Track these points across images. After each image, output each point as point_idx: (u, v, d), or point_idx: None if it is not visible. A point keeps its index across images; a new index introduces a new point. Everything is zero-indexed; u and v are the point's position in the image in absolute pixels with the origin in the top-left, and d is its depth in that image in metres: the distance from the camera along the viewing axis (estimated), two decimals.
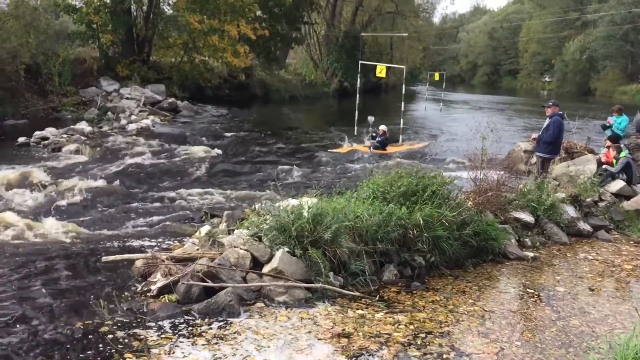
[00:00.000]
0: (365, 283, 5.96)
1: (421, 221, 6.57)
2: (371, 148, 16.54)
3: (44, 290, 5.63)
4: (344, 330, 4.88)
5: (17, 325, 4.77)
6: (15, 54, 21.74)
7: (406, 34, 37.03)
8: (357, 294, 5.73)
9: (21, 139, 15.64)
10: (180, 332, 4.68)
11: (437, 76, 41.11)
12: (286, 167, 14.47)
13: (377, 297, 5.73)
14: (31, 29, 22.75)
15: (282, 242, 5.93)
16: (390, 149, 17.20)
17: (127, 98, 23.13)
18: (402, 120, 19.62)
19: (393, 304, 5.62)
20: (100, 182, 11.90)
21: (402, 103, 19.75)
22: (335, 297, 5.62)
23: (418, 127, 25.42)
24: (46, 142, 15.57)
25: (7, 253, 6.99)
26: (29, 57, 22.39)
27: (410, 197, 7.10)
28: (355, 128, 19.40)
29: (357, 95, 20.47)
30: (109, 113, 21.07)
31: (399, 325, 5.10)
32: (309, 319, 5.10)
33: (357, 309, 5.41)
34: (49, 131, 16.33)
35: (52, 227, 8.48)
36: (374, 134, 16.97)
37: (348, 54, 41.38)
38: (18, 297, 5.42)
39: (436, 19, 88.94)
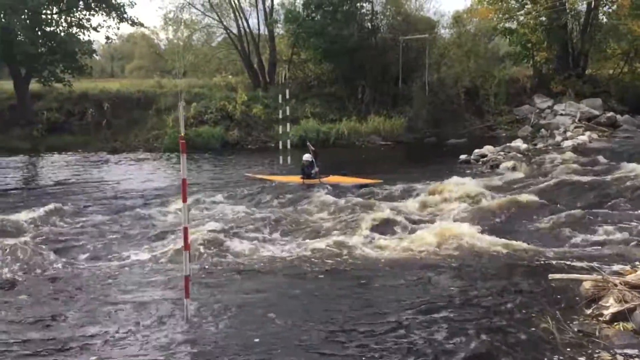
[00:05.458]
0: None
1: None
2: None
3: (484, 297, 6.01)
4: None
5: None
6: (457, 78, 24.05)
7: None
8: None
9: (462, 157, 17.00)
10: None
11: None
12: None
13: None
14: (471, 54, 24.82)
15: None
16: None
17: (561, 114, 22.80)
18: None
19: None
20: (536, 199, 11.89)
21: None
22: None
23: None
24: (484, 159, 16.54)
25: (452, 262, 7.69)
26: (468, 81, 24.43)
27: None
28: None
29: None
30: (543, 130, 21.17)
31: None
32: None
33: None
34: (487, 149, 17.32)
35: (490, 241, 8.85)
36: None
37: None
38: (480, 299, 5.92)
39: None
